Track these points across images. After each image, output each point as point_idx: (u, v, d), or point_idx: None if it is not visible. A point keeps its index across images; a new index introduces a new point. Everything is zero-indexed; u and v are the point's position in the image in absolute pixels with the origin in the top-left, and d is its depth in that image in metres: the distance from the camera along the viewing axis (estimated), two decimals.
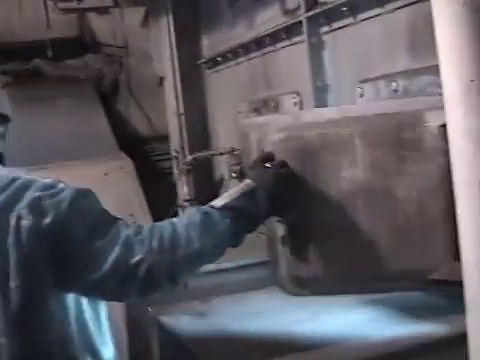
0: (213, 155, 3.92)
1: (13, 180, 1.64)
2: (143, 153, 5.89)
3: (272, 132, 1.80)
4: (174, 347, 2.08)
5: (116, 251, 1.59)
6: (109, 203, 5.59)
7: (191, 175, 4.10)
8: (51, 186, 1.64)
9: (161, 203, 5.06)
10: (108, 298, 1.71)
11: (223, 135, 4.01)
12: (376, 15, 2.36)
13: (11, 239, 1.57)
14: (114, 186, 5.05)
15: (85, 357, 1.67)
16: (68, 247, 1.58)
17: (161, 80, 4.57)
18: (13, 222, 1.56)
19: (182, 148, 4.11)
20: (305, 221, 1.75)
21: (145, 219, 4.95)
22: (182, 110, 4.09)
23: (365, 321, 1.97)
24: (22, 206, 1.58)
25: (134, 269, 1.59)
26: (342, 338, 1.85)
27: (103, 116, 5.79)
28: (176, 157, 4.19)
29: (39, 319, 1.60)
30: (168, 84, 4.24)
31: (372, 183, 1.72)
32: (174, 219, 1.71)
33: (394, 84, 2.27)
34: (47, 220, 1.56)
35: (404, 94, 2.23)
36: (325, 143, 1.75)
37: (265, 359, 1.79)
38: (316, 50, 2.72)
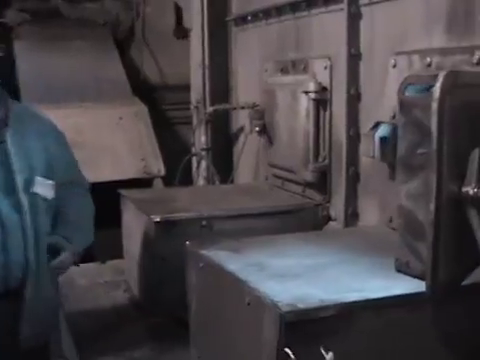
0: (234, 109, 4.14)
1: None
2: (153, 101, 6.06)
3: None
4: (213, 274, 2.30)
5: None
6: (123, 147, 5.94)
7: (209, 125, 4.32)
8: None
9: (171, 150, 5.28)
10: None
11: (243, 91, 4.20)
12: None
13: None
14: (128, 131, 5.24)
15: None
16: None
17: (186, 32, 4.70)
18: None
19: (204, 99, 4.28)
20: None
21: (157, 164, 5.18)
22: (207, 63, 4.26)
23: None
24: None
25: None
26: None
27: (118, 61, 5.92)
28: (197, 107, 4.38)
29: None
30: (195, 36, 4.39)
31: None
32: None
33: (428, 59, 2.50)
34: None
35: (437, 69, 2.46)
36: None
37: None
38: (354, 20, 2.92)
